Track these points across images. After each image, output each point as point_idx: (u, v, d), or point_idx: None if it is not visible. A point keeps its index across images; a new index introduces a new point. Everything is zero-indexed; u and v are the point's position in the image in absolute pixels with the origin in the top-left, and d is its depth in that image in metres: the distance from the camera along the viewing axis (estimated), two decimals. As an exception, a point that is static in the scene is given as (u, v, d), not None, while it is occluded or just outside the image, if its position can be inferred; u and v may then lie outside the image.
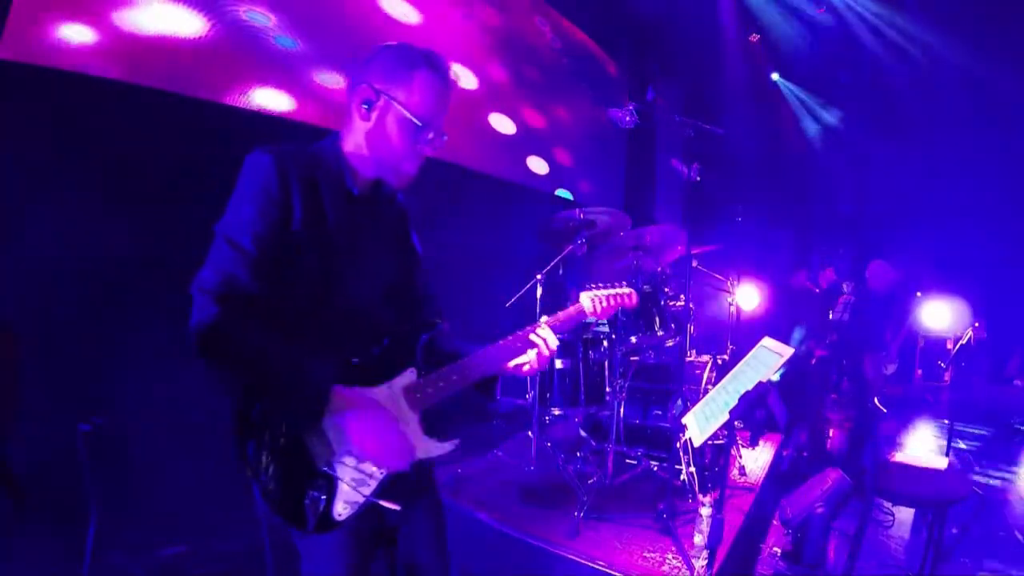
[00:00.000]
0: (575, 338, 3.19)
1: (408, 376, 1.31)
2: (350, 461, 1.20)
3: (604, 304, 1.57)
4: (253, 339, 1.16)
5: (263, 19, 3.04)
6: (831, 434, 4.56)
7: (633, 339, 3.31)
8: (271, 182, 1.20)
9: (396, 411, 1.26)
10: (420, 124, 1.27)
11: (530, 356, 1.40)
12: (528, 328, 1.43)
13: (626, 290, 1.62)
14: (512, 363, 1.40)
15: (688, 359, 3.52)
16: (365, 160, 1.32)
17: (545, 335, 1.41)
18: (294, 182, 1.22)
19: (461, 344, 1.41)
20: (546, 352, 1.41)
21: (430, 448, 1.30)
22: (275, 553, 1.66)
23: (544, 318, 1.48)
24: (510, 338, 1.41)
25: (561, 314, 1.53)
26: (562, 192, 5.90)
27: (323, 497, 1.16)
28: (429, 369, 1.33)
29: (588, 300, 1.57)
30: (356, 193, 1.33)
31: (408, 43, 1.32)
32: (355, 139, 1.31)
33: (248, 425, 1.19)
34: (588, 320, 1.64)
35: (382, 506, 1.20)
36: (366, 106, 1.27)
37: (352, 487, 1.20)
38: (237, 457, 1.20)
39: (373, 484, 1.23)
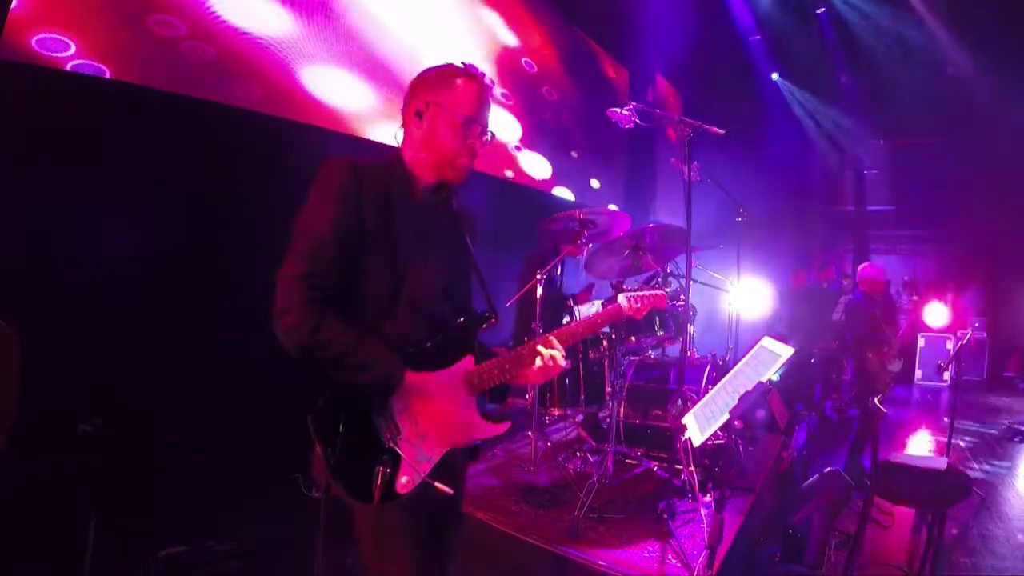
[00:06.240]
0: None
1: (466, 363, 1.43)
2: (413, 439, 1.32)
3: (639, 304, 1.72)
4: (333, 324, 1.26)
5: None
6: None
7: (633, 339, 3.31)
8: (348, 185, 1.33)
9: (456, 394, 1.39)
10: (464, 120, 1.41)
11: (536, 363, 1.47)
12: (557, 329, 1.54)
13: (658, 292, 1.76)
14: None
15: (688, 359, 3.52)
16: (424, 165, 1.45)
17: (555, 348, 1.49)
18: (367, 187, 1.36)
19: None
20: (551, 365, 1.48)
21: (485, 429, 1.43)
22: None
23: (587, 311, 1.57)
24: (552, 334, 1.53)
25: (601, 313, 1.67)
26: (562, 192, 5.90)
27: (388, 471, 1.26)
28: (484, 358, 1.45)
29: (625, 300, 1.72)
30: (419, 198, 1.47)
31: (449, 61, 1.49)
32: (413, 147, 1.45)
33: (322, 404, 1.29)
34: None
35: (435, 487, 1.29)
36: (418, 116, 1.43)
37: (412, 464, 1.31)
38: (311, 435, 1.28)
39: (430, 464, 1.34)
